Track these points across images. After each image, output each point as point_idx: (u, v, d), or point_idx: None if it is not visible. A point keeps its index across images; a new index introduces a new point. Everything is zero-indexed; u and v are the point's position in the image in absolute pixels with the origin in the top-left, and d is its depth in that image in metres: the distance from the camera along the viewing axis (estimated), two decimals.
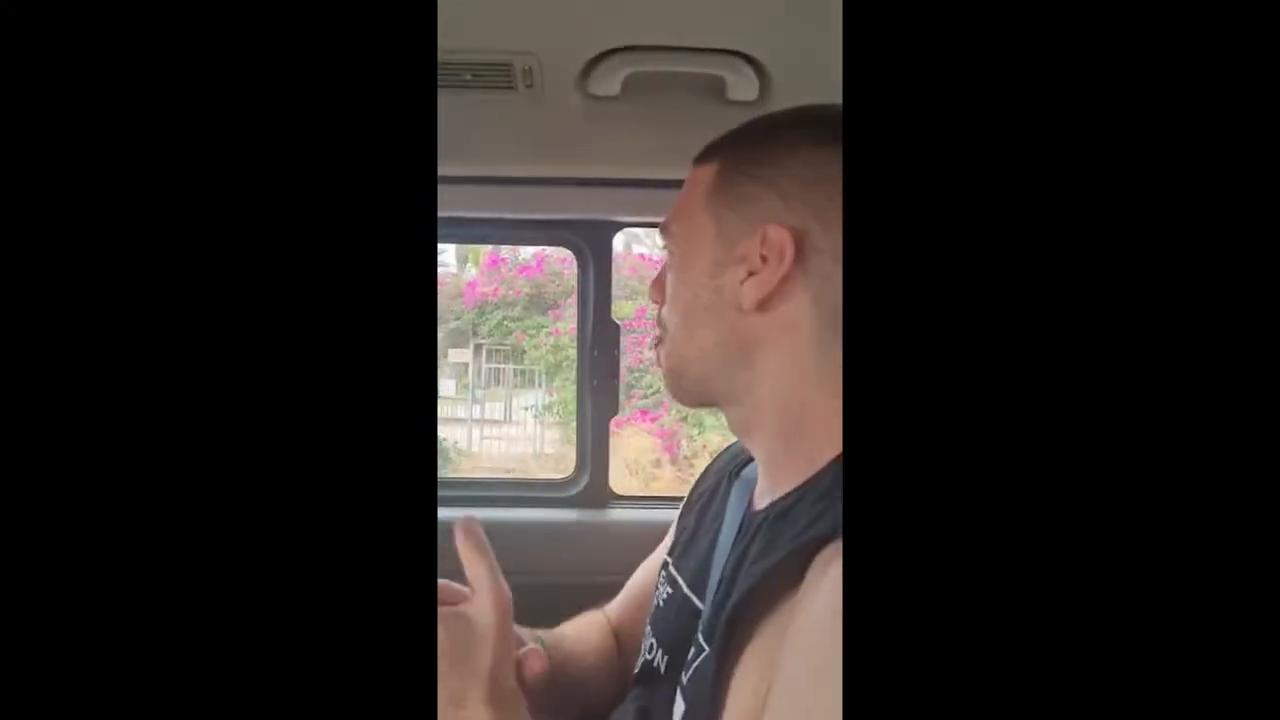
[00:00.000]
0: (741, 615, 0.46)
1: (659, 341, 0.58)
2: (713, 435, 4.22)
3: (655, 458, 4.22)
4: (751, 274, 0.50)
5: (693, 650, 0.52)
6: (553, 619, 0.73)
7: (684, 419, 4.39)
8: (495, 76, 0.74)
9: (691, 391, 0.57)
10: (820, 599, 0.42)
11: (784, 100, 0.74)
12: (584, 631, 0.73)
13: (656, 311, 0.58)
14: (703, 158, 0.56)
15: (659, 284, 0.58)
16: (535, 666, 0.56)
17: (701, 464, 0.74)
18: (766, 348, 0.51)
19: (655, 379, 4.49)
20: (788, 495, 0.51)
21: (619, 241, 1.12)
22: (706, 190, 0.54)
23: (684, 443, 4.35)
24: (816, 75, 0.73)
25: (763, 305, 0.50)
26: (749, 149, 0.53)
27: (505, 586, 0.52)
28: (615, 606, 0.76)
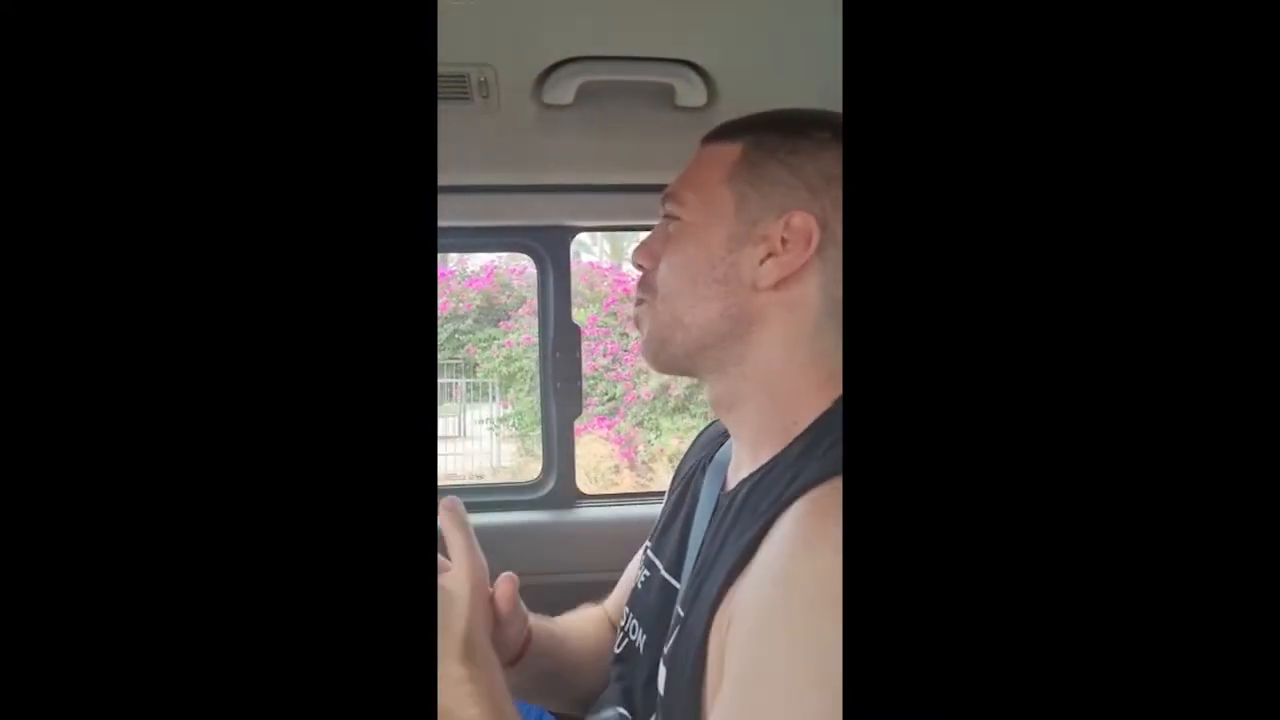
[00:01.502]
0: (719, 587, 0.49)
1: (639, 303, 0.59)
2: (669, 439, 4.26)
3: (614, 464, 4.24)
4: (771, 255, 0.53)
5: (673, 622, 0.55)
6: None
7: (640, 424, 4.42)
8: (452, 88, 0.76)
9: (676, 357, 0.58)
10: (771, 554, 0.46)
11: (730, 105, 0.78)
12: (582, 622, 0.75)
13: (640, 277, 0.59)
14: (721, 136, 0.58)
15: (648, 249, 0.59)
16: (506, 589, 0.61)
17: (659, 468, 0.78)
18: (767, 324, 0.54)
19: (610, 386, 4.51)
20: (760, 468, 0.54)
21: None
22: (729, 167, 0.55)
23: (641, 447, 4.37)
24: (761, 81, 0.77)
25: (777, 285, 0.53)
26: (778, 137, 0.55)
27: (481, 558, 0.56)
28: (611, 600, 0.79)
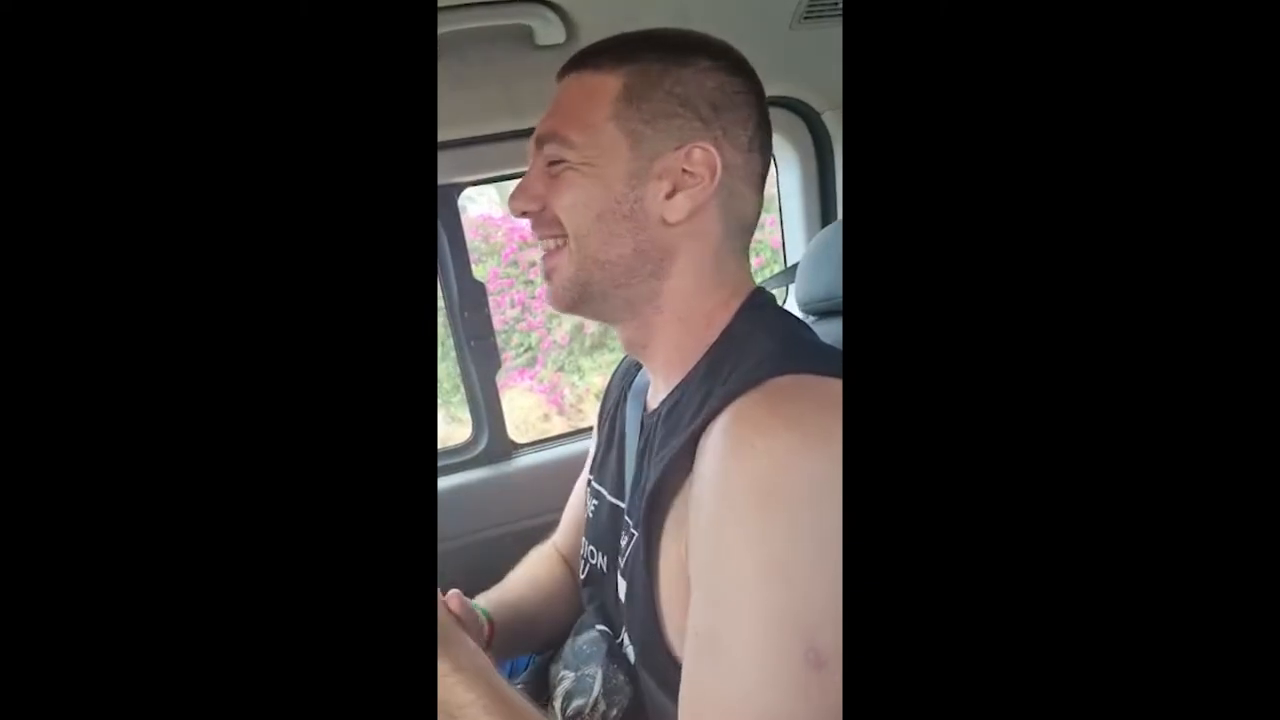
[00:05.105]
0: (655, 498, 0.53)
1: (557, 249, 0.57)
2: (593, 378, 4.29)
3: (543, 413, 4.25)
4: (677, 189, 0.53)
5: (624, 539, 0.59)
6: (491, 575, 0.79)
7: (561, 369, 4.43)
8: None
9: (594, 297, 0.57)
10: (707, 468, 0.49)
11: (591, 37, 0.78)
12: (536, 568, 0.79)
13: (533, 221, 0.57)
14: (589, 66, 0.55)
15: (529, 192, 0.56)
16: (454, 603, 0.65)
17: (588, 408, 0.80)
18: (677, 256, 0.55)
19: (524, 338, 4.47)
20: (675, 389, 0.57)
21: None
22: (612, 103, 0.53)
23: (567, 391, 4.39)
24: (617, 11, 0.78)
25: (688, 218, 0.54)
26: (658, 66, 0.53)
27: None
28: (559, 535, 0.82)
